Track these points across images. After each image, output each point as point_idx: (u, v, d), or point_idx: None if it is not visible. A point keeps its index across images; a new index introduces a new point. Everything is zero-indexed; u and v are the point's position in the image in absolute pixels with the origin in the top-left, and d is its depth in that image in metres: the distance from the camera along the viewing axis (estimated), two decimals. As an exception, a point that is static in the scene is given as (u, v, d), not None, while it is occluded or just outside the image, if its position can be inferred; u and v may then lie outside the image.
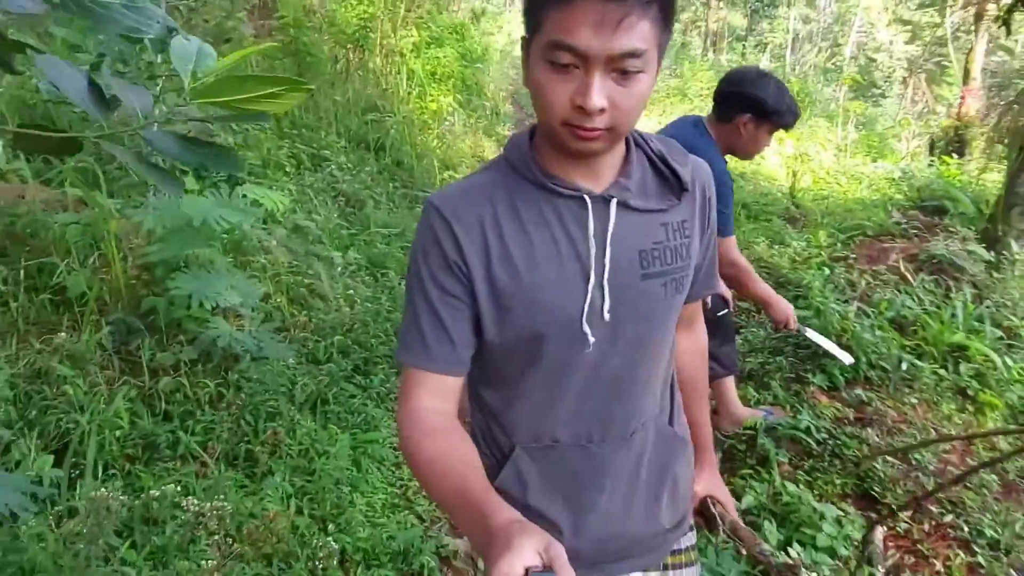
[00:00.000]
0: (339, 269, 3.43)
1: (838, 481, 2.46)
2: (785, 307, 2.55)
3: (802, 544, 2.14)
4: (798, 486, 2.41)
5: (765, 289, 2.55)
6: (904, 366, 3.01)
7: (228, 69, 1.07)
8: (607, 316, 0.95)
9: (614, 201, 0.95)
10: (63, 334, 2.38)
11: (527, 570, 0.67)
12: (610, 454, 1.03)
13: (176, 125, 1.03)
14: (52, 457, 1.98)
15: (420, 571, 2.14)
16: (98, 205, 2.75)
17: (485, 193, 0.94)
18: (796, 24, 19.32)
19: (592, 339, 0.96)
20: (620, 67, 0.82)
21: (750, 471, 2.56)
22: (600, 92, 0.82)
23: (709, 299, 2.51)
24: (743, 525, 1.46)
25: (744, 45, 19.01)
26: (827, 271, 3.76)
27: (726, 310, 2.63)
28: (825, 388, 2.99)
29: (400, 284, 3.89)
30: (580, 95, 0.83)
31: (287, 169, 4.52)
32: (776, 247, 4.33)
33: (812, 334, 2.76)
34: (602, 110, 0.83)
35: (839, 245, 4.26)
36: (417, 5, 8.61)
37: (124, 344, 2.52)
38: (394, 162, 5.66)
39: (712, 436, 1.39)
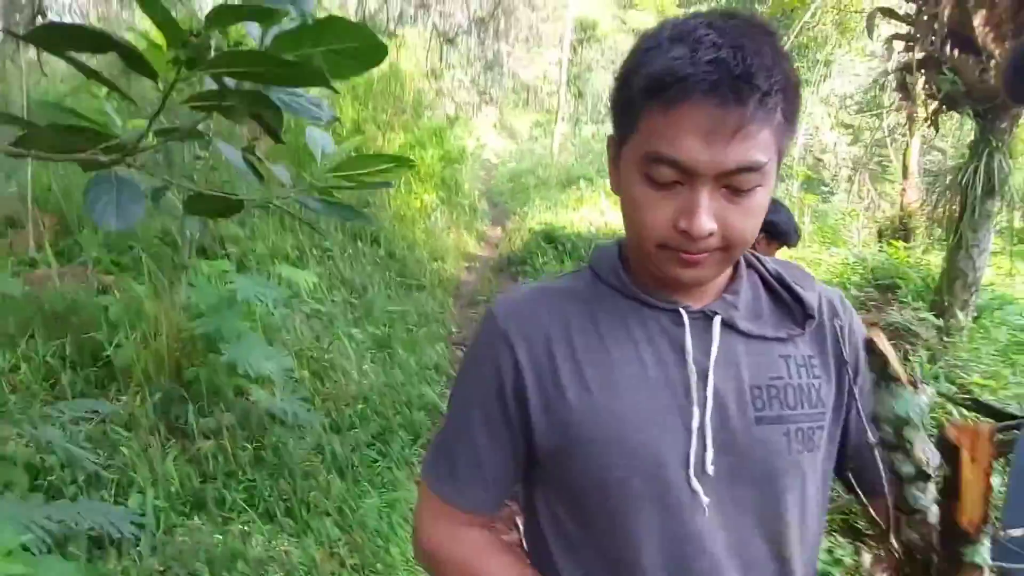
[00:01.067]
0: (354, 346, 3.67)
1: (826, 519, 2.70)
2: None
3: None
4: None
5: None
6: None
7: (354, 146, 1.39)
8: (710, 469, 0.73)
9: (718, 319, 0.76)
10: (110, 402, 2.57)
11: None
12: None
13: (313, 191, 1.33)
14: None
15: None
16: (131, 289, 3.00)
17: (559, 302, 0.78)
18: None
19: (706, 499, 0.73)
20: (734, 183, 0.68)
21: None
22: (708, 213, 0.68)
23: None
24: None
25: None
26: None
27: None
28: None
29: (408, 360, 4.14)
30: (685, 217, 0.68)
31: (292, 259, 4.82)
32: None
33: None
34: (711, 233, 0.68)
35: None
36: (401, 110, 9.27)
37: (166, 412, 2.71)
38: (388, 253, 6.00)
39: None
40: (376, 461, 3.00)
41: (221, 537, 2.07)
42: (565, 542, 0.80)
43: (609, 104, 0.75)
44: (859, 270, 6.25)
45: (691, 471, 0.72)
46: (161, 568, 1.80)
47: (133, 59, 0.72)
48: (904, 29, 4.86)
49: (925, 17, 4.41)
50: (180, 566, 1.76)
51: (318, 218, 1.19)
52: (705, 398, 0.73)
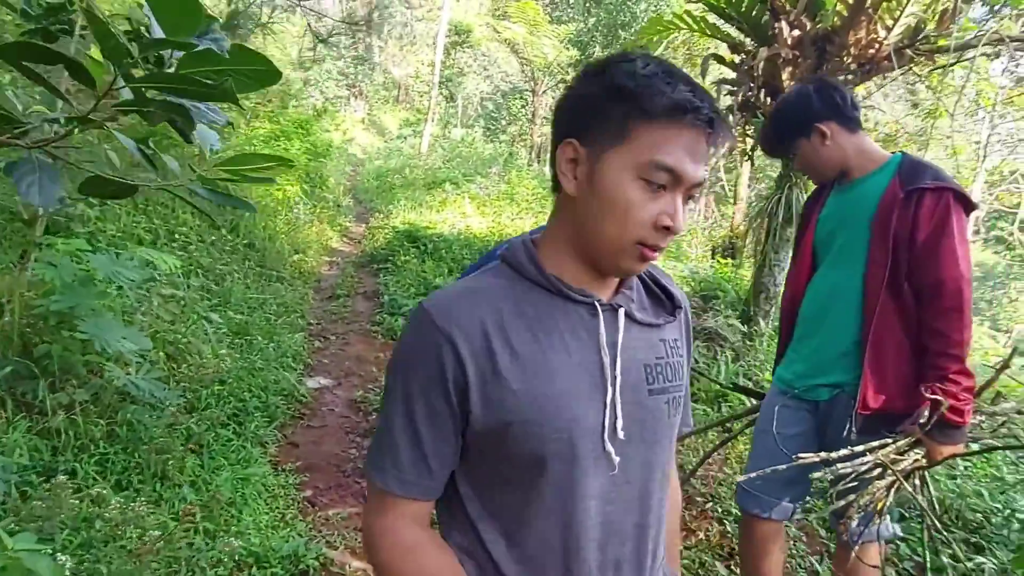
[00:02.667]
0: (212, 330, 3.73)
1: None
2: None
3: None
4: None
5: None
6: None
7: (236, 147, 1.59)
8: (621, 434, 0.89)
9: (622, 311, 0.91)
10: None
11: None
12: None
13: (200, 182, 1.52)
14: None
15: (307, 571, 2.50)
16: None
17: (487, 295, 0.86)
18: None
19: (617, 459, 0.89)
20: (691, 193, 0.85)
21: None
22: (683, 215, 0.84)
23: None
24: None
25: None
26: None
27: None
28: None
29: (266, 346, 4.23)
30: (670, 217, 0.83)
31: (146, 242, 4.72)
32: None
33: None
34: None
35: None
36: (268, 100, 9.11)
37: (12, 387, 2.68)
38: (247, 243, 5.97)
39: None
40: (231, 440, 3.11)
41: (77, 502, 2.14)
42: (488, 515, 0.90)
43: (573, 115, 0.87)
44: (691, 282, 7.03)
45: (605, 436, 0.87)
46: (19, 528, 1.87)
47: (78, 71, 0.92)
48: (731, 75, 5.60)
49: (745, 67, 5.14)
50: (37, 527, 1.85)
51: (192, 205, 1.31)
52: (615, 377, 0.88)
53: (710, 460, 3.21)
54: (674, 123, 0.81)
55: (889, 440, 1.85)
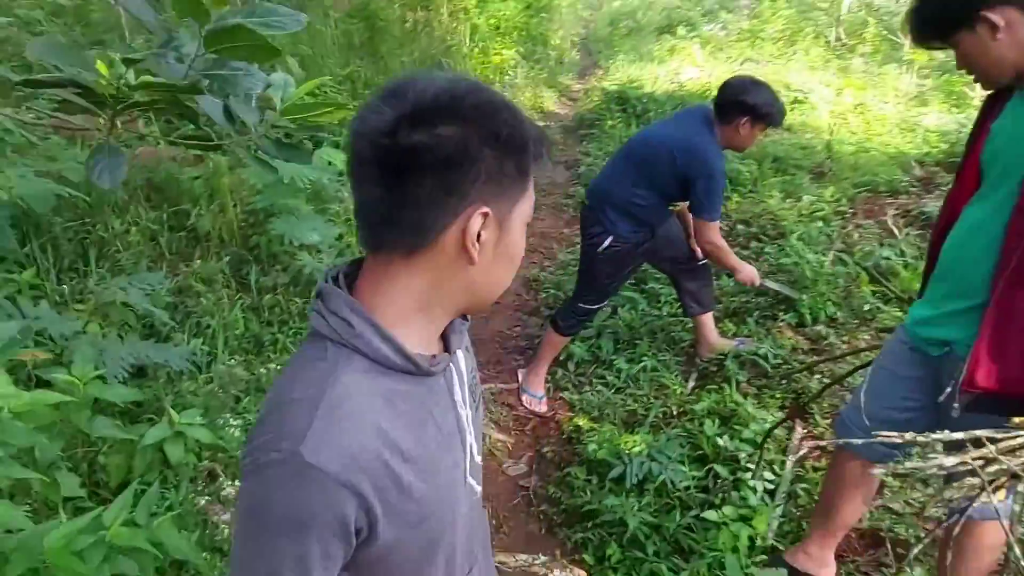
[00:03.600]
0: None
1: (779, 395, 3.08)
2: (749, 272, 3.19)
3: (731, 437, 2.80)
4: (746, 398, 3.05)
5: (734, 261, 3.17)
6: (867, 307, 3.55)
7: (306, 91, 1.79)
8: (478, 459, 0.95)
9: (459, 352, 0.92)
10: (197, 262, 3.27)
11: None
12: (482, 566, 1.03)
13: (273, 131, 1.73)
14: (193, 343, 2.87)
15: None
16: (213, 162, 3.59)
17: (364, 413, 0.75)
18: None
19: (479, 488, 0.96)
20: None
21: (714, 386, 3.21)
22: None
23: (697, 248, 3.14)
24: None
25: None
26: (822, 224, 4.25)
27: (705, 260, 3.24)
28: (793, 324, 3.57)
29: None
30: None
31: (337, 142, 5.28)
32: (789, 200, 4.80)
33: (769, 283, 3.43)
34: None
35: (844, 200, 4.69)
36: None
37: (238, 270, 3.39)
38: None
39: None
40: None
41: (265, 371, 2.76)
42: None
43: (473, 180, 0.74)
44: (946, 143, 5.97)
45: (468, 474, 0.91)
46: (208, 390, 2.50)
47: (89, 94, 1.17)
48: None
49: None
50: (224, 391, 2.45)
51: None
52: (468, 419, 0.91)
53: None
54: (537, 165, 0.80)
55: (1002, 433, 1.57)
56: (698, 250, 3.19)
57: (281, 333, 3.16)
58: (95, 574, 1.24)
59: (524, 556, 2.02)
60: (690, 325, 3.52)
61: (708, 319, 3.40)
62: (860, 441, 1.89)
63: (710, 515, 2.35)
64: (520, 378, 3.46)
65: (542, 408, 3.31)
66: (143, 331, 2.82)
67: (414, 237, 0.75)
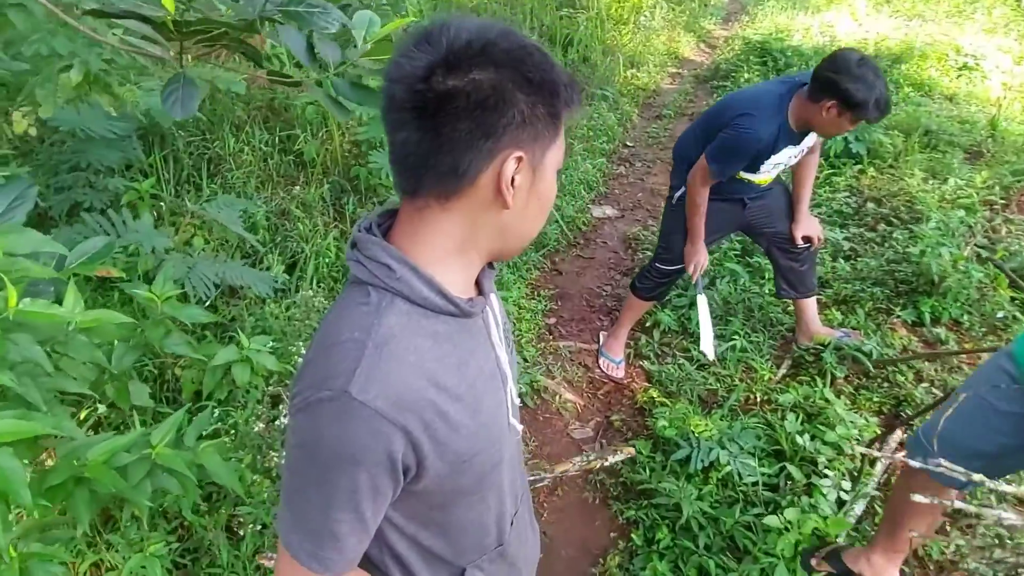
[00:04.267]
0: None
1: (876, 399, 2.82)
2: (698, 255, 2.85)
3: (812, 436, 2.60)
4: (839, 396, 2.82)
5: (696, 229, 2.81)
6: (1000, 314, 3.15)
7: (391, 29, 1.73)
8: (517, 402, 0.98)
9: (492, 296, 0.93)
10: (298, 187, 3.37)
11: None
12: (523, 513, 1.11)
13: (354, 71, 1.69)
14: (285, 267, 2.98)
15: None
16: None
17: (411, 354, 0.77)
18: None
19: (520, 427, 1.00)
20: None
21: (807, 377, 2.99)
22: None
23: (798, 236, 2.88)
24: None
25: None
26: (964, 213, 3.77)
27: (811, 245, 2.96)
28: (909, 322, 3.23)
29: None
30: None
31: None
32: (932, 182, 4.29)
33: (701, 303, 2.93)
34: None
35: (998, 189, 4.13)
36: None
37: (337, 199, 3.46)
38: (581, 58, 6.08)
39: None
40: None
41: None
42: (425, 554, 0.93)
43: (506, 124, 0.74)
44: None
45: (510, 415, 0.94)
46: (288, 315, 2.59)
47: (158, 27, 1.17)
48: None
49: None
50: (302, 319, 2.54)
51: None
52: (507, 362, 0.94)
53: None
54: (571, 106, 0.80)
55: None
56: (799, 237, 2.91)
57: (369, 266, 3.22)
58: (133, 490, 1.32)
59: (578, 458, 1.90)
60: (791, 308, 3.28)
61: (810, 304, 3.13)
62: (934, 467, 1.71)
63: (771, 521, 2.20)
64: (601, 340, 3.37)
65: (618, 374, 3.22)
66: (239, 251, 2.96)
67: (450, 181, 0.75)
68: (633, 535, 2.39)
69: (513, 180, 0.76)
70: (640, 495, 2.54)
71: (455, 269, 0.82)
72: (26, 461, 1.24)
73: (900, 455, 2.61)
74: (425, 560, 0.95)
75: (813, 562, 2.12)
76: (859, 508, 2.37)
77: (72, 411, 1.70)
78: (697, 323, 2.90)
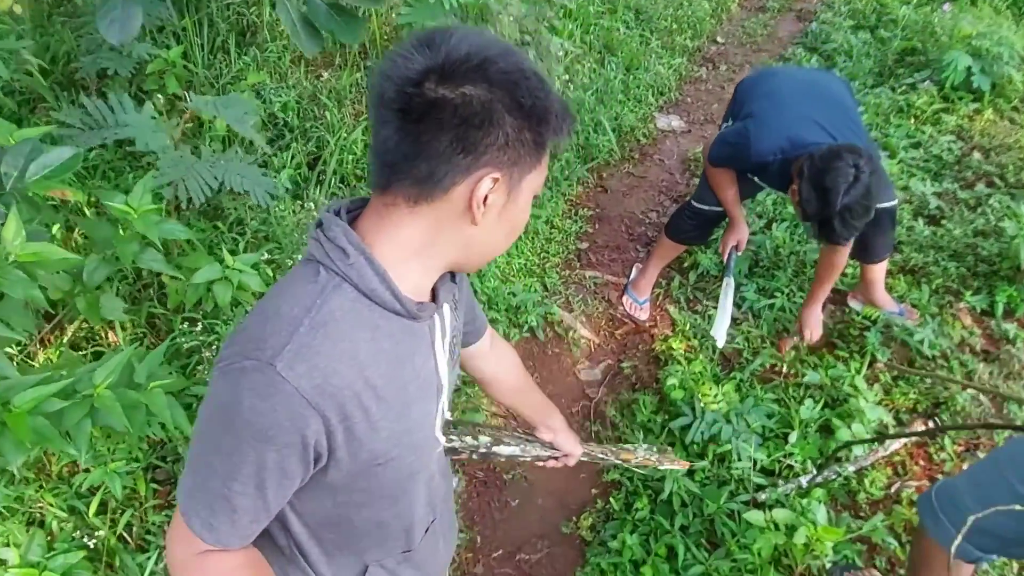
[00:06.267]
0: (560, 51, 3.73)
1: (913, 395, 2.57)
2: (732, 232, 2.66)
3: (830, 430, 2.41)
4: (871, 385, 2.58)
5: (729, 206, 2.57)
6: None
7: None
8: (448, 415, 1.00)
9: (446, 306, 0.91)
10: (328, 73, 3.14)
11: None
12: (441, 522, 1.11)
13: None
14: (306, 162, 2.84)
15: (524, 325, 2.81)
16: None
17: (347, 342, 0.76)
18: None
19: (443, 440, 1.00)
20: None
21: (844, 352, 2.74)
22: None
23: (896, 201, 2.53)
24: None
25: None
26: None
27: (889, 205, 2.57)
28: (977, 310, 2.88)
29: (620, 75, 4.08)
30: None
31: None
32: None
33: (727, 286, 2.63)
34: None
35: None
36: None
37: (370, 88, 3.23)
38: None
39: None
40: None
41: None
42: (327, 547, 0.95)
43: (489, 143, 0.73)
44: None
45: (437, 427, 0.95)
46: (296, 221, 2.48)
47: None
48: None
49: None
50: (310, 220, 2.42)
51: None
52: (447, 371, 0.94)
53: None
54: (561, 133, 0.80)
55: None
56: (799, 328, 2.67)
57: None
58: (59, 437, 1.29)
59: (642, 451, 1.81)
60: (852, 270, 2.96)
61: (876, 269, 2.77)
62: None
63: (755, 517, 2.07)
64: (632, 273, 3.17)
65: (641, 316, 3.03)
66: (251, 148, 2.80)
67: (423, 187, 0.75)
68: (612, 499, 2.33)
69: (485, 199, 0.76)
70: (630, 457, 2.45)
71: (412, 270, 0.81)
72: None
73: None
74: (327, 552, 0.96)
75: None
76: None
77: (23, 339, 1.68)
78: (717, 305, 2.66)
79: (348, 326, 0.76)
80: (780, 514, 2.09)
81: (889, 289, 2.95)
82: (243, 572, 0.83)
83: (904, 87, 4.39)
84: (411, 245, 0.79)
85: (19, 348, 2.03)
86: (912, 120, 4.08)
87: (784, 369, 2.71)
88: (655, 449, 1.71)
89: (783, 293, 2.99)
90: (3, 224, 1.36)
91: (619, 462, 1.64)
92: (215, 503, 0.78)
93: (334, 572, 0.97)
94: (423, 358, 0.87)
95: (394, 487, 0.90)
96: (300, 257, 0.84)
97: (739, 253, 2.69)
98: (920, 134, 3.93)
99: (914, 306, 2.90)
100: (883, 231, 2.61)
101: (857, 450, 2.34)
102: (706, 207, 2.68)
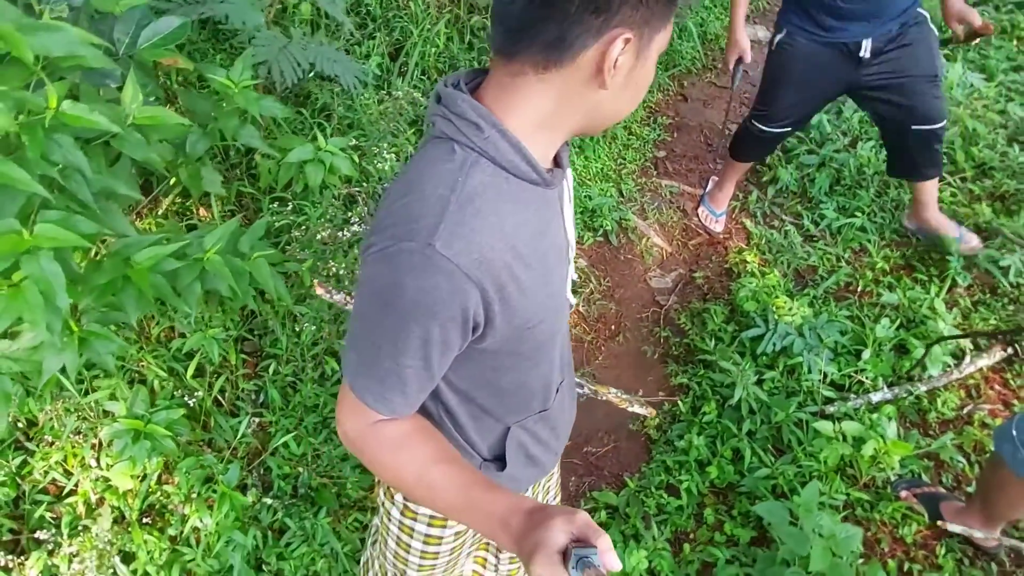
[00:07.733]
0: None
1: (994, 321, 2.51)
2: (734, 45, 2.55)
3: (905, 349, 2.38)
4: (950, 310, 2.52)
5: (734, 13, 2.51)
6: None
7: None
8: (574, 276, 1.01)
9: (568, 171, 0.93)
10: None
11: (568, 552, 0.66)
12: (567, 382, 1.14)
13: None
14: (388, 53, 2.81)
15: (599, 228, 2.81)
16: None
17: (494, 215, 0.77)
18: None
19: (574, 300, 1.01)
20: None
21: (923, 275, 2.67)
22: None
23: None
24: None
25: None
26: None
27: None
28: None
29: None
30: None
31: None
32: None
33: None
34: None
35: None
36: None
37: None
38: None
39: None
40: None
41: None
42: (475, 410, 0.98)
43: (639, 1, 0.72)
44: None
45: (568, 289, 0.97)
46: (381, 111, 2.48)
47: None
48: None
49: None
50: (394, 116, 2.42)
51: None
52: (572, 244, 0.97)
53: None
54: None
55: None
56: (953, 23, 2.35)
57: (478, 62, 2.99)
58: (178, 296, 1.37)
59: (616, 392, 2.01)
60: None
61: (928, 187, 2.65)
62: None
63: (823, 426, 2.10)
64: (708, 185, 3.10)
65: (716, 228, 2.99)
66: (332, 33, 2.78)
67: (553, 52, 0.73)
68: (680, 401, 2.37)
69: (616, 61, 0.73)
70: (700, 363, 2.47)
71: (539, 141, 0.81)
72: (76, 260, 1.28)
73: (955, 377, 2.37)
74: (474, 416, 1.00)
75: (903, 494, 2.03)
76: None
77: (135, 202, 1.75)
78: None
79: (492, 200, 0.77)
80: (849, 426, 2.12)
81: (973, 217, 2.83)
82: (417, 435, 0.87)
83: (1010, 6, 4.09)
84: (539, 114, 0.78)
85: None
86: (1015, 42, 3.81)
87: (859, 287, 2.66)
88: (628, 395, 1.94)
89: (863, 213, 2.91)
90: (121, 87, 1.40)
91: (593, 392, 1.82)
92: (386, 378, 0.81)
93: (480, 435, 1.02)
94: (557, 225, 0.89)
95: (537, 349, 0.93)
96: (426, 135, 0.84)
97: (745, 66, 2.60)
98: (1022, 57, 3.67)
99: (1017, 234, 2.77)
100: (927, 148, 2.50)
101: (932, 370, 2.32)
102: (760, 123, 2.59)
